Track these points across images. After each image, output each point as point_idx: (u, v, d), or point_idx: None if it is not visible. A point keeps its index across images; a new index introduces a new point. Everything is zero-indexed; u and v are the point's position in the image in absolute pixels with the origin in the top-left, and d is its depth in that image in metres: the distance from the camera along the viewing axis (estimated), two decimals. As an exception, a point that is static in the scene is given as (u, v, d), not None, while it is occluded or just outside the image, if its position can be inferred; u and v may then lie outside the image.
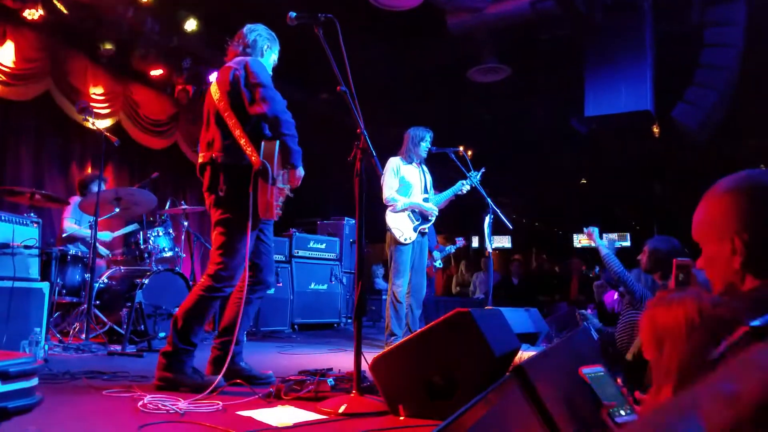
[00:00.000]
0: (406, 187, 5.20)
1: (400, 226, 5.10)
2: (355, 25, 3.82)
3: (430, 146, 5.24)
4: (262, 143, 3.04)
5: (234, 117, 3.10)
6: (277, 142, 3.03)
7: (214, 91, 3.19)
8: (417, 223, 5.15)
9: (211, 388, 2.72)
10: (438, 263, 7.26)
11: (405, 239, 5.07)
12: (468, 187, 5.22)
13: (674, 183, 12.64)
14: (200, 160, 3.19)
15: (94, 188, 5.42)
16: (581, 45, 7.43)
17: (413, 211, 5.16)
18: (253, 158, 3.02)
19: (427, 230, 5.26)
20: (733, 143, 9.68)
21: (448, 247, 7.50)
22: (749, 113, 8.28)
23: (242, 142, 3.06)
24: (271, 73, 3.29)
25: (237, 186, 3.05)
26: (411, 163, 5.27)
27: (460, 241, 7.46)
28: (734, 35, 6.89)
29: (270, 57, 3.40)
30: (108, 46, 6.85)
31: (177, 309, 3.11)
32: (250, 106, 3.06)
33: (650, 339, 1.59)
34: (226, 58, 3.35)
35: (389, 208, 5.16)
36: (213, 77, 3.34)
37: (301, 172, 3.19)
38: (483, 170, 5.26)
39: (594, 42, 7.32)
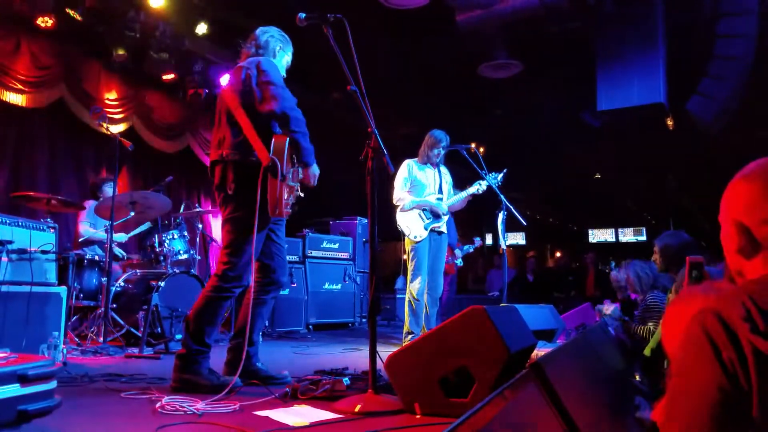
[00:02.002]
0: (419, 188, 5.21)
1: (410, 225, 5.11)
2: (365, 24, 3.81)
3: (443, 151, 5.23)
4: (273, 139, 3.04)
5: (245, 115, 3.10)
6: (287, 139, 3.03)
7: (226, 90, 3.22)
8: (428, 221, 5.15)
9: (227, 389, 2.73)
10: (459, 261, 7.26)
11: (415, 237, 5.08)
12: (484, 188, 5.20)
13: (689, 176, 12.51)
14: (211, 158, 3.21)
15: (108, 191, 5.46)
16: (592, 38, 7.37)
17: (424, 210, 5.17)
18: (262, 155, 3.02)
19: (442, 228, 5.26)
20: (748, 135, 9.56)
21: (466, 246, 7.49)
22: (765, 103, 8.16)
23: (252, 139, 3.07)
24: (284, 74, 3.31)
25: (245, 183, 3.05)
26: (426, 165, 5.28)
27: (477, 241, 7.47)
28: (748, 24, 6.80)
29: (282, 58, 3.41)
30: (120, 52, 6.91)
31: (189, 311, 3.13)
32: (260, 103, 3.07)
33: (666, 333, 1.59)
34: (240, 59, 3.37)
35: (398, 208, 5.20)
36: (225, 79, 3.38)
37: (315, 170, 3.20)
38: (505, 171, 5.23)
39: (605, 35, 7.26)
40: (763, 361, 0.92)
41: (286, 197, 3.03)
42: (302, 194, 3.25)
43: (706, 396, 0.96)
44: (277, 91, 3.06)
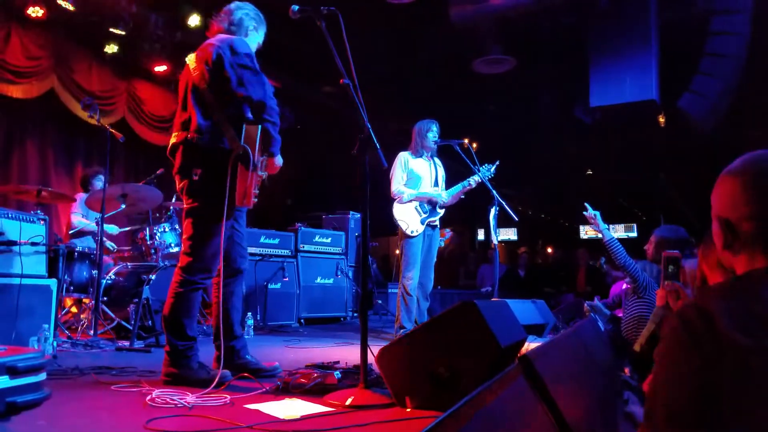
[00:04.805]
0: (415, 180, 5.20)
1: (406, 219, 5.10)
2: (358, 17, 3.80)
3: (437, 137, 5.24)
4: (244, 127, 2.93)
5: (214, 97, 2.97)
6: (259, 127, 2.93)
7: (193, 68, 3.05)
8: (425, 215, 5.15)
9: (215, 382, 2.72)
10: None
11: (411, 231, 5.07)
12: (477, 180, 5.19)
13: (680, 173, 12.57)
14: (173, 140, 3.05)
15: (97, 184, 5.43)
16: (586, 34, 7.39)
17: (421, 204, 5.17)
18: (233, 143, 2.92)
19: (436, 222, 5.26)
20: (740, 132, 9.62)
21: None
22: (756, 102, 8.21)
23: (222, 124, 2.95)
24: (254, 55, 3.14)
25: (213, 170, 2.93)
26: (420, 156, 5.27)
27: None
28: (741, 23, 6.83)
29: (255, 38, 3.26)
30: (112, 43, 6.86)
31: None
32: (236, 88, 2.93)
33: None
34: (208, 32, 3.23)
35: (396, 200, 5.18)
36: (191, 56, 3.11)
37: (279, 160, 3.10)
38: (497, 163, 5.20)
39: (598, 31, 7.27)
40: (740, 354, 0.94)
41: (254, 187, 2.95)
42: (267, 183, 3.14)
43: (685, 386, 0.98)
44: (255, 77, 2.94)
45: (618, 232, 17.42)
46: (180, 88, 3.15)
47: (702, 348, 0.96)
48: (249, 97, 2.93)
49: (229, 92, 2.96)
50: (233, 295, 3.24)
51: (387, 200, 5.24)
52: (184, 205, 3.05)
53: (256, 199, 2.99)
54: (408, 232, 5.08)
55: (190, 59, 3.12)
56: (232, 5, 3.23)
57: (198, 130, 2.96)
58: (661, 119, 8.60)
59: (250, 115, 3.01)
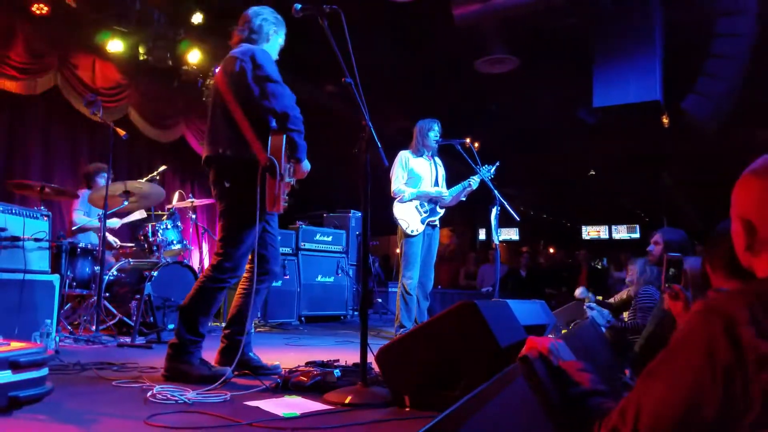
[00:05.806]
0: (416, 179, 5.20)
1: (407, 218, 5.10)
2: (361, 16, 3.81)
3: (439, 135, 5.24)
4: (269, 138, 3.02)
5: (240, 110, 3.07)
6: (284, 137, 3.01)
7: (220, 81, 3.16)
8: (425, 215, 5.15)
9: (221, 381, 2.74)
10: None
11: (411, 231, 5.07)
12: (477, 181, 5.19)
13: (683, 174, 12.56)
14: (206, 153, 3.17)
15: (100, 180, 5.45)
16: (589, 35, 7.38)
17: (422, 203, 5.17)
18: (260, 154, 3.01)
19: (436, 222, 5.26)
20: (743, 133, 9.60)
21: None
22: (761, 101, 8.19)
23: (248, 135, 3.05)
24: (277, 56, 3.26)
25: (243, 178, 3.03)
26: (421, 155, 5.27)
27: None
28: (746, 24, 6.82)
29: (276, 42, 3.35)
30: (114, 40, 6.88)
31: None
32: (260, 100, 3.01)
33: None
34: (231, 42, 3.30)
35: (397, 200, 5.18)
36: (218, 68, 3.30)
37: (307, 165, 3.19)
38: (497, 164, 5.21)
39: (602, 31, 7.26)
40: (766, 365, 0.89)
41: (282, 193, 3.04)
42: (297, 186, 3.25)
43: (683, 389, 0.95)
44: (277, 89, 3.02)
45: (620, 233, 17.40)
46: (210, 101, 3.26)
47: (716, 360, 0.91)
48: (273, 109, 3.00)
49: (254, 104, 3.04)
50: (259, 294, 3.29)
51: (388, 199, 5.24)
52: (218, 209, 3.16)
53: (285, 204, 3.10)
54: (408, 231, 5.08)
55: (218, 73, 3.22)
56: (250, 12, 3.29)
57: (227, 144, 3.07)
58: (665, 120, 8.58)
59: (274, 124, 3.08)
